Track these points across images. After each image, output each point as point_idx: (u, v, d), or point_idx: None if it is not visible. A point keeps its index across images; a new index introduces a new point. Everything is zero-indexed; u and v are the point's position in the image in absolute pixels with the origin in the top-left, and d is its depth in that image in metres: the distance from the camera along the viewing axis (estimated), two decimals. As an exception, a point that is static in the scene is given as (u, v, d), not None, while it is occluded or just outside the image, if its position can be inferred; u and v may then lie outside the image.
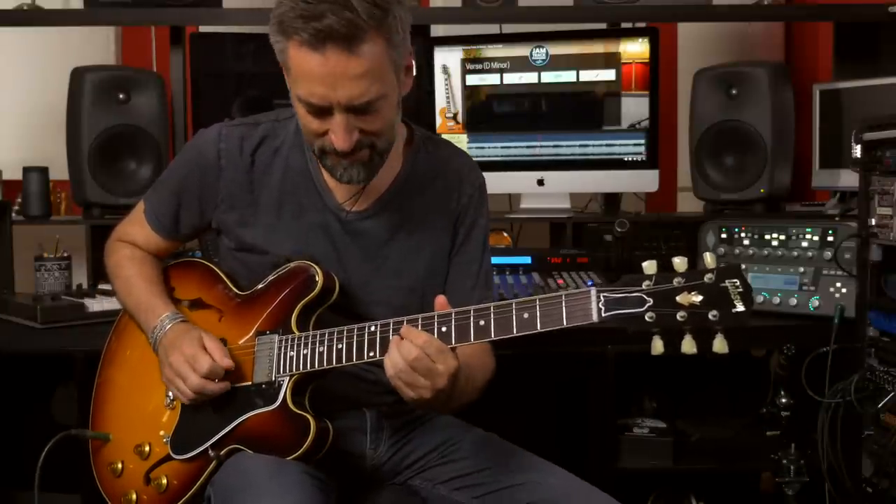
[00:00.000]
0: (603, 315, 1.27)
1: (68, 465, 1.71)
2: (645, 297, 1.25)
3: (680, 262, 1.25)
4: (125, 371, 1.69)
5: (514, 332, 1.33)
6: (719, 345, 1.23)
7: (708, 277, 1.22)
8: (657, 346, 1.26)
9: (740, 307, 1.21)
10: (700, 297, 1.22)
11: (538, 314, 1.31)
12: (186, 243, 1.78)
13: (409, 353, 1.33)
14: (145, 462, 1.58)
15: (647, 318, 1.25)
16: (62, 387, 2.34)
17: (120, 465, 1.61)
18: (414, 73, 1.51)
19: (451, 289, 1.64)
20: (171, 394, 1.58)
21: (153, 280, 1.67)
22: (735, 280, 1.22)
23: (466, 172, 1.68)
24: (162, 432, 1.57)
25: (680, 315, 1.23)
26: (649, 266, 1.26)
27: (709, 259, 1.24)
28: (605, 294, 1.27)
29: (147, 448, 1.58)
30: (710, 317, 1.22)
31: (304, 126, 1.46)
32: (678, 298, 1.23)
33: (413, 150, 1.64)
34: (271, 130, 1.62)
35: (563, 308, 1.29)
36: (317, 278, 1.51)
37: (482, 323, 1.35)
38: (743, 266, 2.21)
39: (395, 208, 1.61)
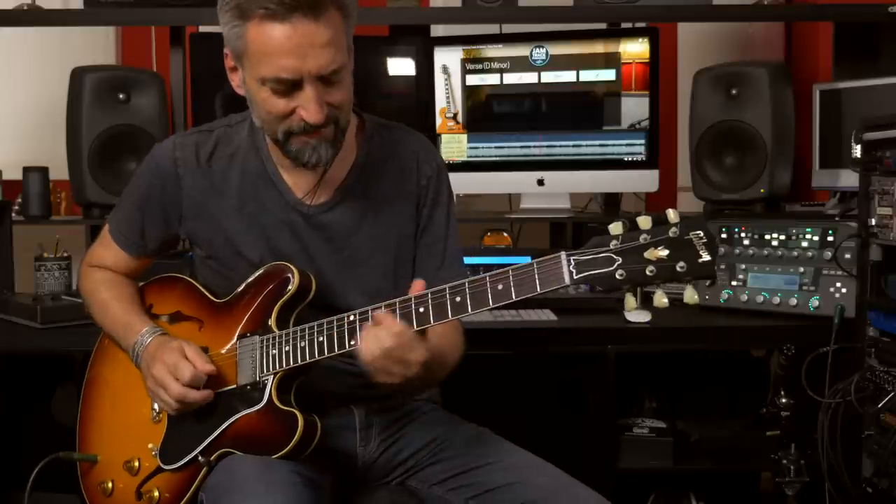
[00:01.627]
0: (575, 277, 1.29)
1: (68, 466, 1.71)
2: (614, 256, 1.27)
3: (645, 220, 1.28)
4: (109, 389, 1.69)
5: (491, 304, 1.34)
6: (689, 296, 1.27)
7: (672, 231, 1.25)
8: (630, 302, 1.29)
9: (706, 256, 1.24)
10: (666, 252, 1.25)
11: (512, 284, 1.33)
12: (161, 256, 1.77)
13: (384, 342, 1.35)
14: (135, 478, 1.58)
15: (617, 276, 1.27)
16: (62, 387, 2.34)
17: (110, 485, 1.61)
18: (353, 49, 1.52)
19: (417, 271, 1.65)
20: (156, 407, 1.59)
21: (128, 300, 1.67)
22: (699, 231, 1.25)
23: (423, 154, 1.68)
24: (150, 445, 1.57)
25: (649, 270, 1.26)
26: (615, 227, 1.29)
27: (671, 215, 1.27)
28: (574, 257, 1.29)
29: (136, 463, 1.58)
30: (677, 268, 1.25)
31: (268, 111, 1.45)
32: (646, 254, 1.26)
33: (366, 137, 1.64)
34: (224, 136, 1.62)
35: (536, 275, 1.31)
36: (292, 277, 1.52)
37: (458, 299, 1.36)
38: (743, 266, 2.21)
39: (356, 196, 1.61)
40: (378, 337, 1.36)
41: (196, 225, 1.63)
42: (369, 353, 1.37)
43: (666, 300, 1.27)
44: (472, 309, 1.35)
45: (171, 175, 1.60)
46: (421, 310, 1.38)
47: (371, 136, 1.64)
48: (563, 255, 1.30)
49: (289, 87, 1.41)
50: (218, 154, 1.61)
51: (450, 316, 1.37)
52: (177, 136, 1.64)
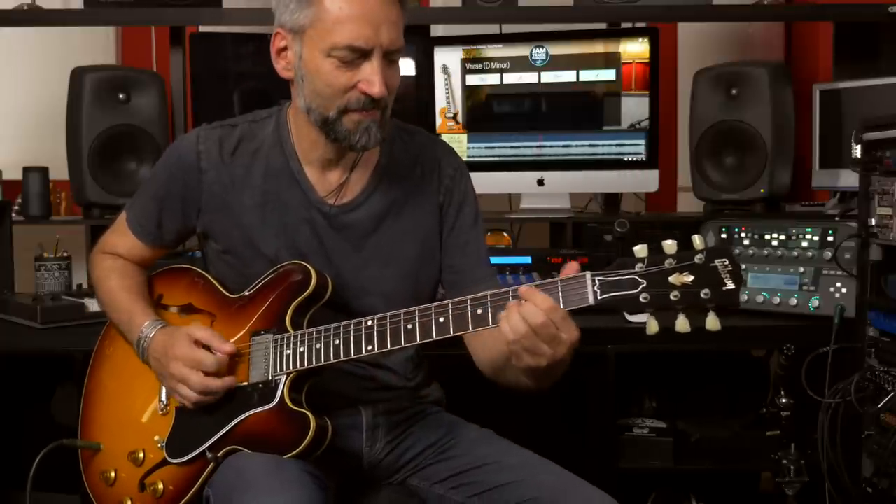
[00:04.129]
0: (599, 298, 1.29)
1: (68, 466, 1.71)
2: (638, 279, 1.27)
3: (670, 245, 1.28)
4: (116, 377, 1.69)
5: None
6: (712, 322, 1.27)
7: (698, 258, 1.26)
8: (652, 325, 1.29)
9: (730, 285, 1.24)
10: (691, 278, 1.26)
11: None
12: (176, 248, 1.77)
13: (535, 318, 1.28)
14: (139, 469, 1.57)
15: (641, 299, 1.27)
16: (62, 387, 2.33)
17: (113, 474, 1.60)
18: None
19: (454, 270, 1.64)
20: (164, 398, 1.58)
21: (135, 290, 1.66)
22: (724, 259, 1.25)
23: (445, 158, 1.68)
24: (156, 437, 1.57)
25: (673, 295, 1.26)
26: (641, 250, 1.29)
27: (697, 241, 1.27)
28: (599, 278, 1.29)
29: (141, 454, 1.57)
30: (702, 295, 1.25)
31: (329, 85, 1.46)
32: (671, 279, 1.26)
33: (389, 140, 1.64)
34: (248, 131, 1.62)
35: (560, 293, 1.31)
36: (310, 277, 1.51)
37: (479, 312, 1.35)
38: (743, 266, 2.21)
39: (378, 198, 1.61)
40: (526, 313, 1.29)
41: (214, 219, 1.62)
42: (514, 331, 1.29)
43: (689, 327, 1.27)
44: (493, 322, 1.35)
45: (194, 168, 1.60)
46: (441, 319, 1.37)
47: (394, 138, 1.65)
48: (588, 275, 1.30)
49: (357, 57, 1.44)
50: (241, 149, 1.61)
51: (470, 328, 1.36)
52: (201, 128, 1.64)
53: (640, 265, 1.28)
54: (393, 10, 1.45)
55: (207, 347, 1.50)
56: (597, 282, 1.29)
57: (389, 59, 1.47)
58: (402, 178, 1.64)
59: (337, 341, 1.45)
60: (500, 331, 1.32)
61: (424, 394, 1.73)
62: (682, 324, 1.27)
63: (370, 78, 1.45)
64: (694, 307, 1.26)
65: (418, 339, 1.40)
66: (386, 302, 1.44)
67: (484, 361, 1.57)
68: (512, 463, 1.54)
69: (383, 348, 1.42)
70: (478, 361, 1.59)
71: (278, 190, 1.60)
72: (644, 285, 1.27)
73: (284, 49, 1.51)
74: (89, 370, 1.74)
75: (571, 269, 1.34)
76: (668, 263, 1.27)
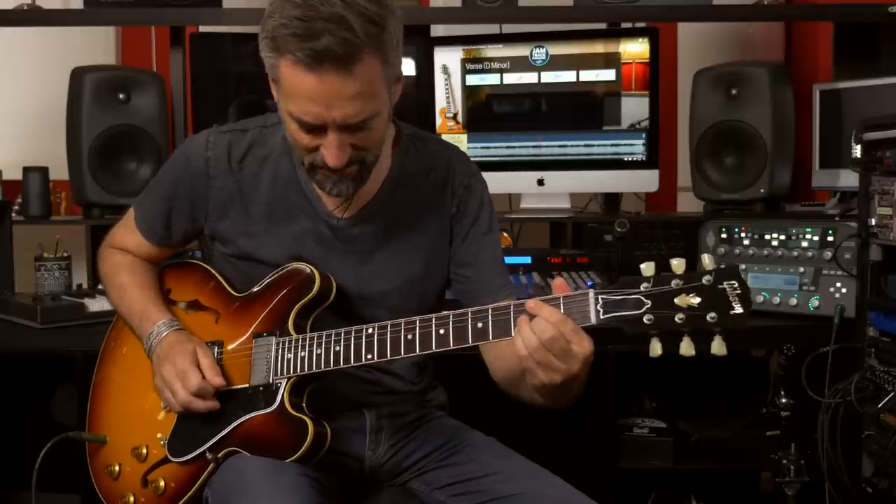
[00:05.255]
0: (601, 317, 1.27)
1: (68, 466, 1.71)
2: (643, 299, 1.25)
3: (678, 264, 1.24)
4: (123, 372, 1.69)
5: (512, 334, 1.31)
6: (718, 347, 1.24)
7: (706, 279, 1.22)
8: (655, 348, 1.26)
9: (738, 309, 1.21)
10: (698, 300, 1.22)
11: None
12: (183, 247, 1.77)
13: (545, 331, 1.26)
14: (143, 465, 1.57)
15: (645, 320, 1.25)
16: (62, 387, 2.34)
17: (117, 468, 1.60)
18: (403, 78, 1.48)
19: (473, 281, 1.62)
20: None
21: (147, 286, 1.66)
22: (733, 281, 1.22)
23: (457, 165, 1.65)
24: (159, 435, 1.57)
25: (678, 317, 1.23)
26: (647, 268, 1.26)
27: (707, 260, 1.23)
28: (603, 296, 1.27)
29: (144, 450, 1.57)
30: (708, 319, 1.22)
31: (295, 140, 1.43)
32: (676, 300, 1.23)
33: (402, 149, 1.61)
34: (259, 137, 1.60)
35: (562, 310, 1.28)
36: (313, 280, 1.51)
37: (480, 325, 1.34)
38: (743, 266, 2.21)
39: (387, 211, 1.59)
40: (536, 328, 1.26)
41: (221, 224, 1.61)
42: (525, 346, 1.27)
43: (693, 350, 1.24)
44: (493, 337, 1.33)
45: (202, 174, 1.59)
46: (441, 332, 1.36)
47: (406, 148, 1.62)
48: (591, 293, 1.27)
49: (313, 128, 1.38)
50: (250, 156, 1.59)
51: (470, 342, 1.34)
52: (211, 132, 1.61)
53: (645, 284, 1.25)
54: (349, 85, 1.32)
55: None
56: (600, 300, 1.26)
57: (356, 126, 1.37)
58: (414, 188, 1.61)
59: (337, 348, 1.44)
60: (513, 345, 1.30)
61: (429, 398, 1.72)
62: (686, 347, 1.24)
63: (327, 147, 1.38)
64: (699, 331, 1.23)
65: (418, 350, 1.38)
66: (391, 314, 1.43)
67: (499, 374, 1.55)
68: (516, 474, 1.52)
69: (382, 357, 1.41)
70: (493, 374, 1.57)
71: (285, 200, 1.58)
72: (648, 306, 1.24)
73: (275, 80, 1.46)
74: (97, 363, 1.74)
75: (560, 285, 1.32)
76: (674, 284, 1.23)
